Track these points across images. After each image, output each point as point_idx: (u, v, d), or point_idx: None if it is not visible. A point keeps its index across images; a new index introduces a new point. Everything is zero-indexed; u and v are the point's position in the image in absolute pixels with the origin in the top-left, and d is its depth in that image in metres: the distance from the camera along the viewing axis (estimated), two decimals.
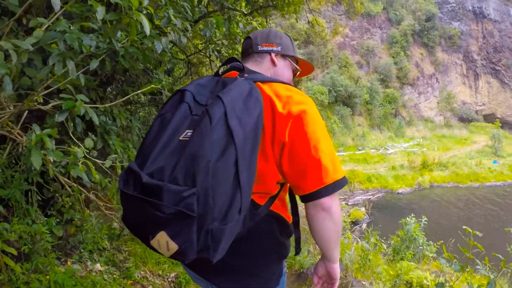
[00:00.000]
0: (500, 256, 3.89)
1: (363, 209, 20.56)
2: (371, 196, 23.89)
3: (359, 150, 33.94)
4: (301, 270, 4.20)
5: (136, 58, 3.10)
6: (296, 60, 2.15)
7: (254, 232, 1.75)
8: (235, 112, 1.44)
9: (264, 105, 1.60)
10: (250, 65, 1.95)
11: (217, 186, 1.34)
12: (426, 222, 10.90)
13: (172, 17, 2.86)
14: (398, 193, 25.32)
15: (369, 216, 20.18)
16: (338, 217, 1.69)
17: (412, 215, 11.12)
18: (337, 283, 1.95)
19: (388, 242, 11.52)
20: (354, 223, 18.82)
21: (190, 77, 8.27)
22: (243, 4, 7.05)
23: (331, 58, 44.99)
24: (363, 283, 4.12)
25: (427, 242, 10.46)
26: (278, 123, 1.61)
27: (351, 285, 3.86)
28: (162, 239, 1.34)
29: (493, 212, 22.76)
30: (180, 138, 1.43)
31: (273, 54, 1.99)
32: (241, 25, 4.72)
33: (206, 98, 1.56)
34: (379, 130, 41.87)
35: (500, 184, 28.76)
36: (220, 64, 2.08)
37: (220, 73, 1.85)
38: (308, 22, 13.39)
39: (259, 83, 1.69)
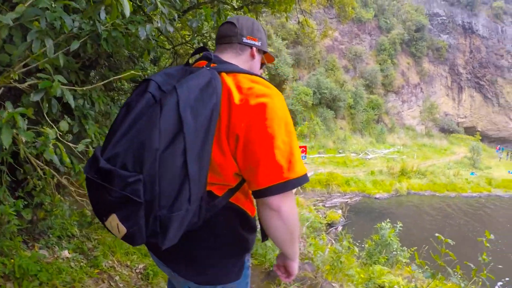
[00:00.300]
0: (472, 265, 3.91)
1: (339, 211, 20.67)
2: (348, 199, 24.03)
3: (340, 153, 34.17)
4: (271, 269, 4.14)
5: (120, 43, 3.02)
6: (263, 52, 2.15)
7: (211, 224, 1.72)
8: (189, 102, 1.45)
9: (222, 96, 1.58)
10: (228, 54, 1.92)
11: (164, 174, 1.38)
12: (401, 228, 10.95)
13: (159, 4, 2.79)
14: (375, 198, 25.60)
15: (345, 218, 20.27)
16: (289, 217, 1.62)
17: (388, 220, 11.19)
18: (293, 276, 1.98)
19: (363, 245, 11.62)
20: (330, 225, 18.89)
21: None
22: None
23: (318, 60, 45.22)
24: (334, 284, 4.09)
25: (401, 248, 10.51)
26: (234, 115, 1.56)
27: (320, 286, 3.82)
28: (113, 221, 1.40)
29: (467, 222, 23.18)
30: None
31: (254, 49, 1.97)
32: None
33: (171, 88, 1.53)
34: (360, 134, 42.34)
35: (476, 195, 29.37)
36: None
37: (190, 63, 1.86)
38: (298, 22, 13.36)
39: (223, 74, 1.66)
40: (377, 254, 10.02)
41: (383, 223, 10.87)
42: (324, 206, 21.72)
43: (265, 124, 1.54)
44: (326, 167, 28.21)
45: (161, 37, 5.42)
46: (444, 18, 59.83)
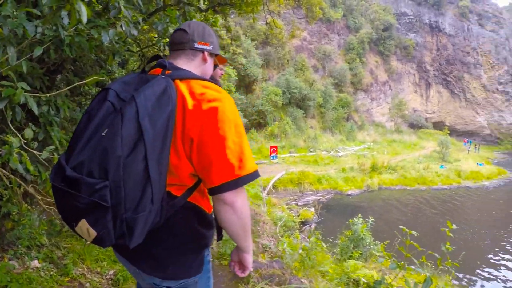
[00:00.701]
0: (436, 255, 4.00)
1: (312, 209, 20.74)
2: (320, 197, 24.17)
3: (311, 151, 34.34)
4: None
5: (84, 48, 2.99)
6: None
7: (171, 222, 1.82)
8: (147, 110, 1.55)
9: (177, 102, 1.68)
10: (181, 60, 2.00)
11: (128, 179, 1.48)
12: (373, 223, 11.14)
13: (123, 8, 2.77)
14: (347, 194, 25.82)
15: (318, 216, 20.39)
16: (242, 211, 1.76)
17: (359, 215, 11.37)
18: (249, 270, 2.09)
19: (336, 241, 11.71)
20: (304, 223, 18.93)
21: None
22: None
23: (287, 60, 45.32)
24: (303, 280, 4.09)
25: (374, 242, 10.73)
26: (188, 120, 1.67)
27: (288, 282, 3.82)
28: (83, 226, 1.49)
29: (437, 213, 23.73)
30: (103, 134, 1.51)
31: (206, 53, 2.06)
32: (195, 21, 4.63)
33: (129, 95, 1.61)
34: (331, 133, 42.71)
35: (447, 187, 30.18)
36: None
37: (146, 70, 1.95)
38: (267, 23, 13.38)
39: (177, 81, 1.76)
40: (350, 249, 10.16)
41: (355, 219, 11.00)
42: (297, 204, 21.75)
43: (217, 127, 1.67)
44: (298, 166, 28.28)
45: (129, 39, 5.37)
46: (411, 17, 61.28)
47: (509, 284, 14.70)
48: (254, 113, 35.13)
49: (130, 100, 1.56)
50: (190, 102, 1.68)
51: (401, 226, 3.07)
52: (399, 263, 3.06)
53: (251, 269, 2.09)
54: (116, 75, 6.60)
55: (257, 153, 29.34)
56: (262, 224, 5.78)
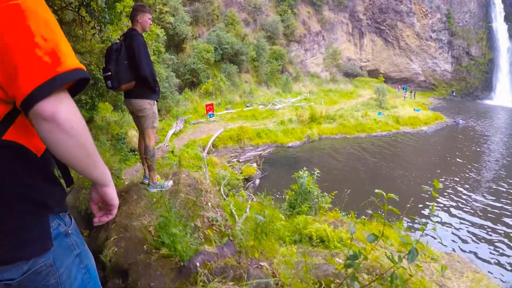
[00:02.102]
0: (418, 218, 3.37)
1: (254, 165, 20.51)
2: (261, 152, 23.98)
3: (247, 106, 34.10)
4: (182, 264, 3.23)
5: None
6: None
7: None
8: None
9: None
10: None
11: None
12: (318, 175, 10.91)
13: None
14: (288, 146, 25.83)
15: (261, 171, 20.15)
16: (73, 125, 1.29)
17: (305, 168, 11.07)
18: (116, 208, 1.66)
19: (283, 196, 11.46)
20: (247, 180, 18.65)
21: None
22: None
23: (217, 16, 44.09)
24: (262, 264, 3.26)
25: (321, 194, 10.57)
26: None
27: (247, 274, 2.97)
28: None
29: (379, 160, 24.45)
30: None
31: None
32: None
33: None
34: (266, 86, 42.63)
35: (386, 133, 31.19)
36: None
37: None
38: None
39: None
40: (299, 203, 9.98)
41: (300, 172, 10.73)
42: (238, 161, 21.46)
43: (20, 25, 1.25)
44: (236, 122, 27.88)
45: None
46: None
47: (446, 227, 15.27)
48: (186, 72, 34.08)
49: None
50: None
51: (377, 190, 2.38)
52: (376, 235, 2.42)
53: (117, 205, 1.65)
54: None
55: (193, 113, 28.70)
56: (204, 193, 4.94)
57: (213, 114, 27.31)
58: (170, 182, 5.32)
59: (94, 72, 11.85)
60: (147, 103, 5.12)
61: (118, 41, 5.08)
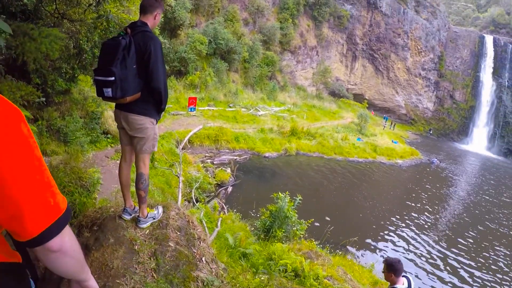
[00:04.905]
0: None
1: (228, 170, 19.95)
2: (237, 157, 23.56)
3: (230, 107, 33.63)
4: None
5: None
6: None
7: None
8: None
9: None
10: None
11: None
12: (300, 201, 10.36)
13: None
14: (264, 156, 25.43)
15: (234, 178, 19.61)
16: (74, 248, 1.41)
17: (287, 192, 10.39)
18: None
19: (254, 210, 11.04)
20: (220, 185, 18.09)
21: None
22: None
23: (218, 9, 43.70)
24: None
25: (298, 221, 10.29)
26: None
27: None
28: None
29: (354, 185, 24.59)
30: None
31: None
32: None
33: None
34: (252, 90, 42.36)
35: (362, 160, 31.23)
36: None
37: None
38: None
39: None
40: (275, 228, 9.61)
41: (280, 194, 10.16)
42: (212, 163, 20.79)
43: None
44: (216, 121, 27.33)
45: None
46: None
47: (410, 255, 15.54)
48: (175, 60, 33.42)
49: None
50: None
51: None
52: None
53: None
54: None
55: (174, 103, 27.91)
56: (197, 242, 4.31)
57: (194, 108, 26.71)
58: (160, 209, 4.53)
59: (81, 42, 11.04)
60: (149, 121, 4.11)
61: (122, 33, 3.88)
